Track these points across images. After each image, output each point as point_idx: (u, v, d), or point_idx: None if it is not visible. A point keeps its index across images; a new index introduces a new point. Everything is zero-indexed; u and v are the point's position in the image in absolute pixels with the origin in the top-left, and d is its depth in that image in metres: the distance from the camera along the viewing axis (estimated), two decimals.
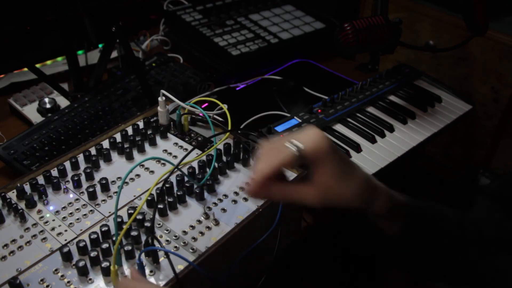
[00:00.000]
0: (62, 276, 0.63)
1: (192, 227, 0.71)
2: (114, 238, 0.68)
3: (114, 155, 0.84)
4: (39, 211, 0.73)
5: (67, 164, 0.81)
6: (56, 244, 0.68)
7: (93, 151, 0.83)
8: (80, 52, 1.28)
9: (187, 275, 0.62)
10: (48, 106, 1.10)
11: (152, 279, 0.63)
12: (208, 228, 0.71)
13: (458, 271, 0.76)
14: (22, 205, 0.74)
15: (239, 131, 0.85)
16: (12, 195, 0.76)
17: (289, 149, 0.58)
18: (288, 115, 1.07)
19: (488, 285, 0.73)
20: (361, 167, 0.65)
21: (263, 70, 1.29)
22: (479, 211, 0.79)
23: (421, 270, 0.79)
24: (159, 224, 0.71)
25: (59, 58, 1.31)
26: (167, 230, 0.70)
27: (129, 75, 1.18)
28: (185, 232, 0.70)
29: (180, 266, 0.64)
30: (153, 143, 0.87)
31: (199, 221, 0.72)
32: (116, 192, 0.77)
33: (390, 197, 0.67)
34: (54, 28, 1.10)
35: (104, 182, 0.76)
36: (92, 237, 0.67)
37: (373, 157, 0.98)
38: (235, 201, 0.75)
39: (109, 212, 0.73)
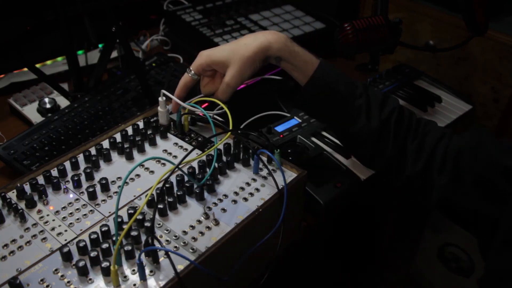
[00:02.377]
0: (62, 276, 0.63)
1: (192, 227, 0.71)
2: (114, 238, 0.68)
3: (114, 155, 0.84)
4: (39, 211, 0.73)
5: (67, 164, 0.81)
6: (56, 244, 0.68)
7: (93, 151, 0.83)
8: (80, 52, 1.28)
9: (187, 275, 0.62)
10: (48, 106, 1.10)
11: (152, 279, 0.63)
12: (208, 228, 0.71)
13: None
14: (22, 205, 0.74)
15: (239, 131, 0.85)
16: (12, 195, 0.76)
17: (186, 77, 0.88)
18: (288, 115, 1.07)
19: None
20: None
21: (263, 70, 1.28)
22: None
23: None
24: (159, 224, 0.71)
25: (59, 58, 1.31)
26: (167, 230, 0.70)
27: (129, 75, 1.18)
28: (185, 232, 0.70)
29: (180, 266, 0.64)
30: (153, 143, 0.87)
31: (199, 221, 0.72)
32: (116, 192, 0.77)
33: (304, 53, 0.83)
34: (54, 28, 1.10)
35: (104, 182, 0.76)
36: (92, 237, 0.67)
37: None
38: (235, 201, 0.75)
39: (109, 212, 0.73)
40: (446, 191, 0.79)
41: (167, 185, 0.75)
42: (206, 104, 1.06)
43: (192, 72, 0.86)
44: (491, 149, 0.77)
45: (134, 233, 0.67)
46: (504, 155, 0.75)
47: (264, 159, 0.82)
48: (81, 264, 0.63)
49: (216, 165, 0.79)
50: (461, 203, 0.79)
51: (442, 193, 0.79)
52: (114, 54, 1.26)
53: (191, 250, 0.67)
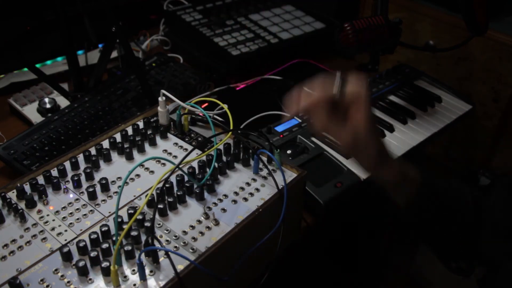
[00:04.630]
0: (62, 276, 0.63)
1: (192, 227, 0.71)
2: (114, 238, 0.68)
3: (114, 155, 0.84)
4: (39, 211, 0.73)
5: (67, 164, 0.81)
6: (56, 244, 0.68)
7: (93, 151, 0.83)
8: (80, 52, 1.28)
9: (187, 275, 0.62)
10: (48, 106, 1.10)
11: (152, 279, 0.63)
12: (208, 228, 0.71)
13: (470, 252, 0.76)
14: (22, 205, 0.74)
15: (239, 131, 0.85)
16: (12, 195, 0.76)
17: (330, 89, 0.64)
18: (288, 115, 1.07)
19: (498, 268, 0.73)
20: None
21: (263, 70, 1.29)
22: (497, 198, 0.79)
23: (433, 246, 0.80)
24: (159, 224, 0.71)
25: (59, 58, 1.31)
26: (167, 230, 0.70)
27: (129, 75, 1.18)
28: (185, 232, 0.70)
29: (180, 266, 0.64)
30: (153, 143, 0.87)
31: (199, 221, 0.72)
32: (116, 192, 0.77)
33: (400, 166, 0.70)
34: (54, 28, 1.10)
35: (104, 182, 0.76)
36: (92, 237, 0.67)
37: None
38: (235, 201, 0.75)
39: (109, 212, 0.73)
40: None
41: (167, 185, 0.75)
42: (206, 104, 1.06)
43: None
44: None
45: (134, 233, 0.67)
46: None
47: (264, 159, 0.82)
48: (81, 264, 0.63)
49: (216, 165, 0.79)
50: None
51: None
52: (114, 54, 1.26)
53: (191, 250, 0.67)
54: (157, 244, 0.65)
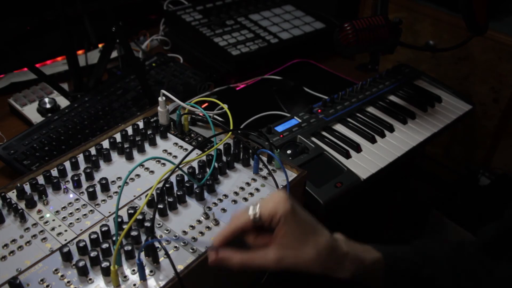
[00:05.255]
0: (62, 276, 0.63)
1: (192, 227, 0.71)
2: (114, 238, 0.68)
3: (114, 155, 0.84)
4: (39, 211, 0.73)
5: (67, 164, 0.81)
6: (56, 244, 0.68)
7: (93, 151, 0.83)
8: (80, 52, 1.28)
9: (187, 275, 0.62)
10: (48, 106, 1.10)
11: (152, 279, 0.63)
12: (208, 228, 0.71)
13: None
14: (22, 205, 0.74)
15: (239, 131, 0.85)
16: (12, 195, 0.76)
17: (245, 215, 0.60)
18: (288, 115, 1.07)
19: None
20: (326, 229, 0.63)
21: (263, 70, 1.29)
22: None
23: None
24: (159, 224, 0.71)
25: (59, 58, 1.31)
26: (167, 230, 0.70)
27: (129, 75, 1.18)
28: (185, 232, 0.70)
29: (180, 266, 0.64)
30: (153, 143, 0.87)
31: (199, 221, 0.72)
32: (116, 192, 0.77)
33: (360, 261, 0.65)
34: (54, 28, 1.10)
35: (104, 182, 0.76)
36: (92, 237, 0.67)
37: (373, 157, 0.98)
38: (235, 201, 0.75)
39: (109, 212, 0.73)
40: None
41: (167, 185, 0.75)
42: (206, 104, 1.06)
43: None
44: None
45: (134, 233, 0.67)
46: None
47: (264, 159, 0.82)
48: (81, 264, 0.63)
49: (216, 165, 0.79)
50: None
51: None
52: (114, 54, 1.26)
53: (191, 250, 0.67)
54: (157, 244, 0.65)
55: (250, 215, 0.60)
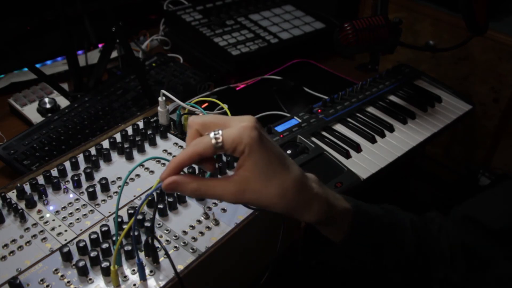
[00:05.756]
0: (62, 276, 0.63)
1: (192, 227, 0.71)
2: (114, 238, 0.68)
3: (114, 155, 0.84)
4: (39, 211, 0.73)
5: (67, 164, 0.81)
6: (56, 244, 0.68)
7: (93, 151, 0.83)
8: (80, 52, 1.28)
9: (187, 275, 0.62)
10: (48, 106, 1.10)
11: (152, 279, 0.63)
12: (208, 228, 0.71)
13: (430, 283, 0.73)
14: (22, 205, 0.74)
15: None
16: (12, 195, 0.76)
17: (207, 140, 0.52)
18: (288, 115, 1.07)
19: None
20: (297, 166, 0.58)
21: (263, 70, 1.29)
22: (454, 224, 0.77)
23: (384, 280, 0.75)
24: (159, 224, 0.71)
25: (59, 58, 1.31)
26: (167, 230, 0.70)
27: (129, 75, 1.18)
28: (185, 232, 0.70)
29: (180, 266, 0.64)
30: (153, 143, 0.87)
31: (199, 221, 0.72)
32: (116, 192, 0.77)
33: (329, 204, 0.61)
34: (54, 28, 1.10)
35: (104, 182, 0.76)
36: (92, 237, 0.67)
37: (373, 157, 0.98)
38: None
39: (109, 212, 0.73)
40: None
41: None
42: (206, 104, 1.06)
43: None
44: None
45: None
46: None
47: None
48: (81, 264, 0.63)
49: (216, 165, 0.79)
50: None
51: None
52: (114, 54, 1.26)
53: (191, 250, 0.67)
54: (157, 244, 0.65)
55: (212, 140, 0.52)
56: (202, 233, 0.70)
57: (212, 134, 0.52)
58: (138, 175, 0.80)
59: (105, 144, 0.86)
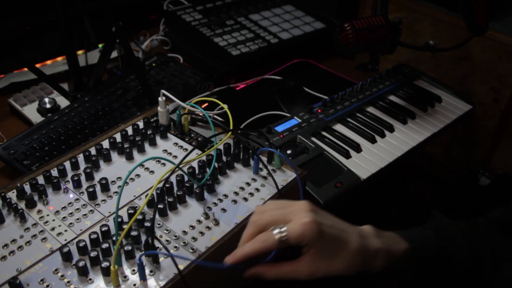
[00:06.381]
0: (62, 276, 0.63)
1: (192, 227, 0.71)
2: (114, 238, 0.68)
3: (114, 155, 0.84)
4: (39, 211, 0.73)
5: (67, 164, 0.81)
6: (56, 244, 0.68)
7: (93, 151, 0.83)
8: (80, 52, 1.28)
9: (188, 275, 0.62)
10: (48, 106, 1.10)
11: (152, 279, 0.63)
12: (208, 228, 0.71)
13: None
14: (22, 205, 0.74)
15: (239, 131, 0.85)
16: (12, 195, 0.76)
17: (273, 238, 0.59)
18: (288, 115, 1.07)
19: None
20: (355, 232, 0.64)
21: (263, 70, 1.29)
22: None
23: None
24: (159, 224, 0.71)
25: (59, 58, 1.31)
26: (167, 230, 0.70)
27: (129, 75, 1.18)
28: (185, 232, 0.70)
29: (180, 266, 0.64)
30: (153, 143, 0.87)
31: (199, 221, 0.72)
32: (116, 192, 0.77)
33: (391, 256, 0.67)
34: (54, 28, 1.10)
35: (104, 182, 0.76)
36: (92, 237, 0.67)
37: (373, 157, 0.98)
38: (235, 201, 0.75)
39: (109, 212, 0.73)
40: None
41: (167, 185, 0.75)
42: (206, 104, 1.06)
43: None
44: None
45: (134, 233, 0.67)
46: None
47: (264, 159, 0.82)
48: (81, 264, 0.63)
49: (216, 165, 0.79)
50: None
51: None
52: (114, 54, 1.26)
53: (191, 250, 0.67)
54: (157, 244, 0.65)
55: (276, 239, 0.59)
56: (202, 233, 0.70)
57: (277, 232, 0.59)
58: (138, 175, 0.80)
59: (105, 144, 0.86)
